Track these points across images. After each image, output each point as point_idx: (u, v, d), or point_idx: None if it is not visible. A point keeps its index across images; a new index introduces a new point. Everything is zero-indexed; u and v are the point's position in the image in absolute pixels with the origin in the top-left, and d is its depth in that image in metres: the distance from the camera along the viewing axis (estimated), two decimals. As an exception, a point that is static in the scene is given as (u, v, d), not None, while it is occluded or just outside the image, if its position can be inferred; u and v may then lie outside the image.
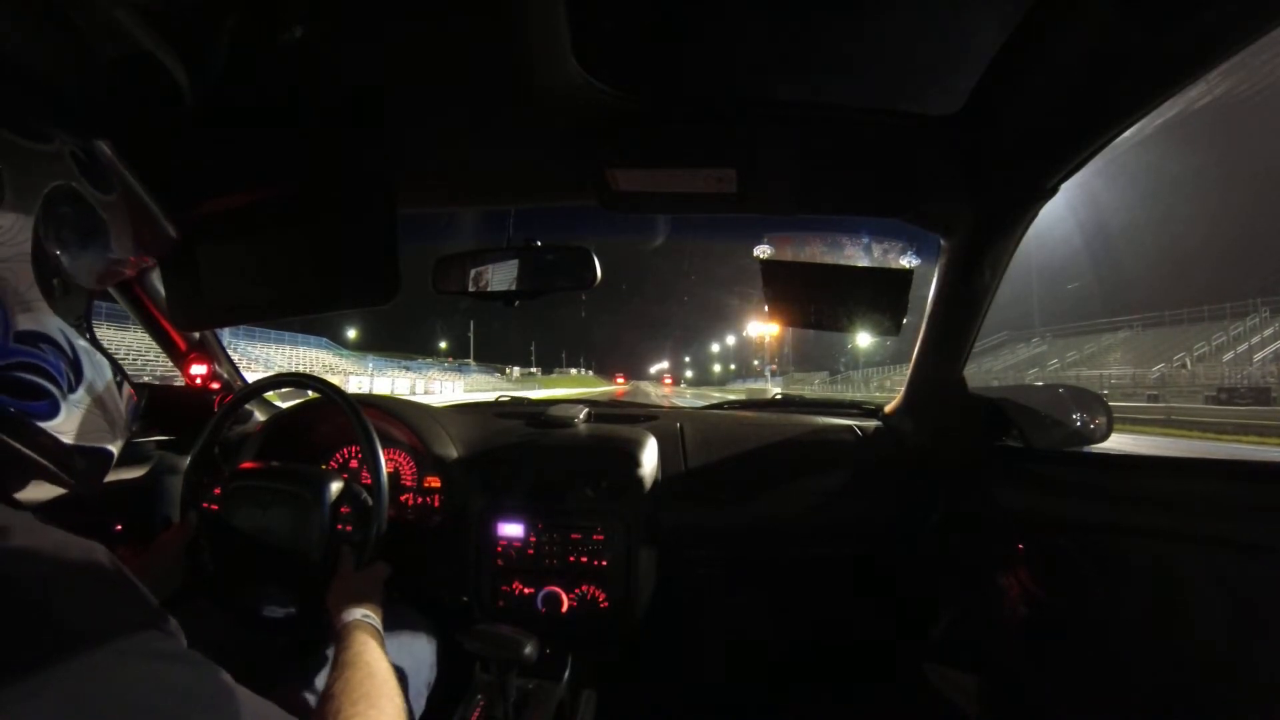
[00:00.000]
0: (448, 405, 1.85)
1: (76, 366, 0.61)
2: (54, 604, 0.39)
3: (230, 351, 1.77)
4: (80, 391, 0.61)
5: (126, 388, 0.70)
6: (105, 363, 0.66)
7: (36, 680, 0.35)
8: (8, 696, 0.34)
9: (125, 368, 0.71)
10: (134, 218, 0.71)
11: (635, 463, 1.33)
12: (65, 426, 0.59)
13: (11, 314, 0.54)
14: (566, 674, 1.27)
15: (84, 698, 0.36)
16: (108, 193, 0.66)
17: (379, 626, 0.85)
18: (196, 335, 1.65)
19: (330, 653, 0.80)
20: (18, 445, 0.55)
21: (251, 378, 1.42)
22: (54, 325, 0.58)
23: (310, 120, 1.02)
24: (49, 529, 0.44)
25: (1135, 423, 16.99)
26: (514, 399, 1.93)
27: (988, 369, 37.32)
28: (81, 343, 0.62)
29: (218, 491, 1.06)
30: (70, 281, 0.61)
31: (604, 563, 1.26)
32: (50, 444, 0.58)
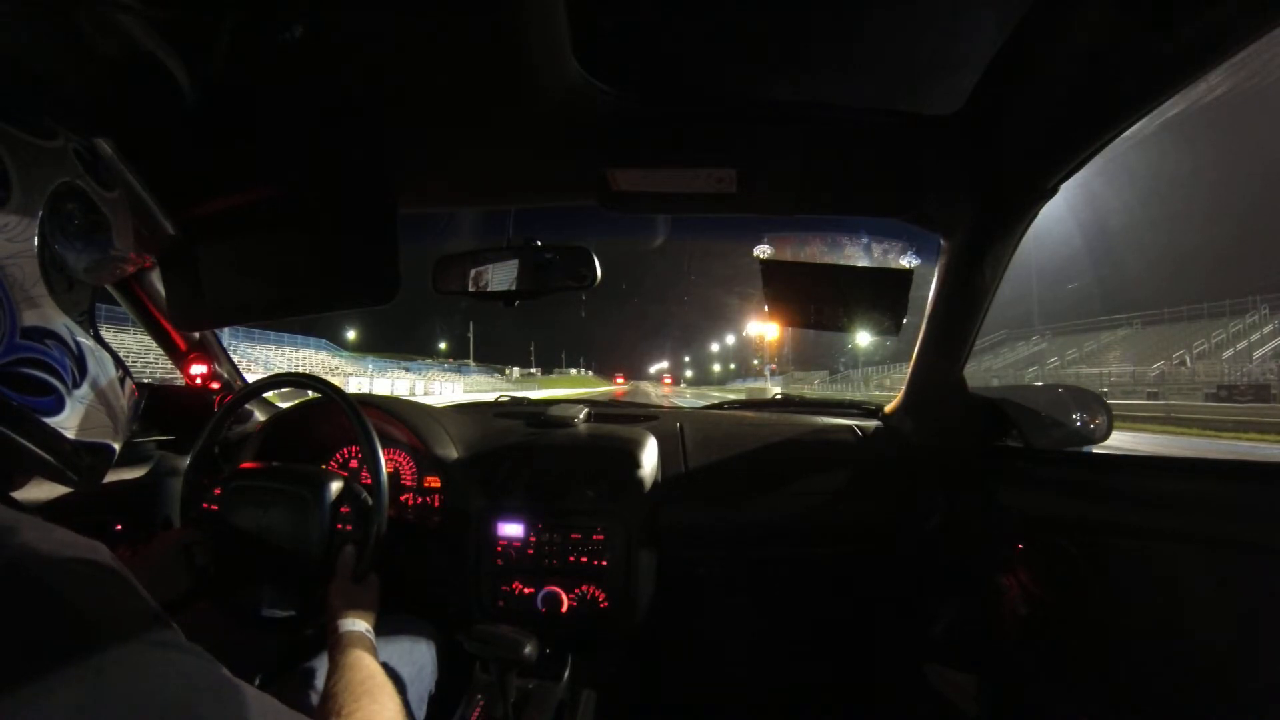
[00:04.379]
0: (447, 405, 1.85)
1: (81, 362, 0.61)
2: (69, 597, 0.40)
3: (229, 353, 1.77)
4: (84, 387, 0.62)
5: (129, 384, 0.70)
6: (108, 359, 0.66)
7: (58, 671, 0.35)
8: (34, 689, 0.34)
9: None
10: (135, 215, 0.71)
11: (635, 463, 1.33)
12: (69, 422, 0.60)
13: (17, 310, 0.54)
14: (566, 674, 1.27)
15: (102, 687, 0.36)
16: (110, 190, 0.67)
17: (374, 641, 0.85)
18: (196, 335, 1.65)
19: (329, 655, 0.81)
20: (22, 440, 0.55)
21: (251, 378, 1.42)
22: (59, 321, 0.59)
23: (310, 120, 1.02)
24: (54, 527, 0.45)
25: (1135, 420, 17.01)
26: (514, 399, 1.93)
27: (987, 367, 37.36)
28: (85, 339, 0.62)
29: (218, 491, 1.06)
30: (74, 277, 0.62)
31: (604, 563, 1.26)
32: (54, 440, 0.58)
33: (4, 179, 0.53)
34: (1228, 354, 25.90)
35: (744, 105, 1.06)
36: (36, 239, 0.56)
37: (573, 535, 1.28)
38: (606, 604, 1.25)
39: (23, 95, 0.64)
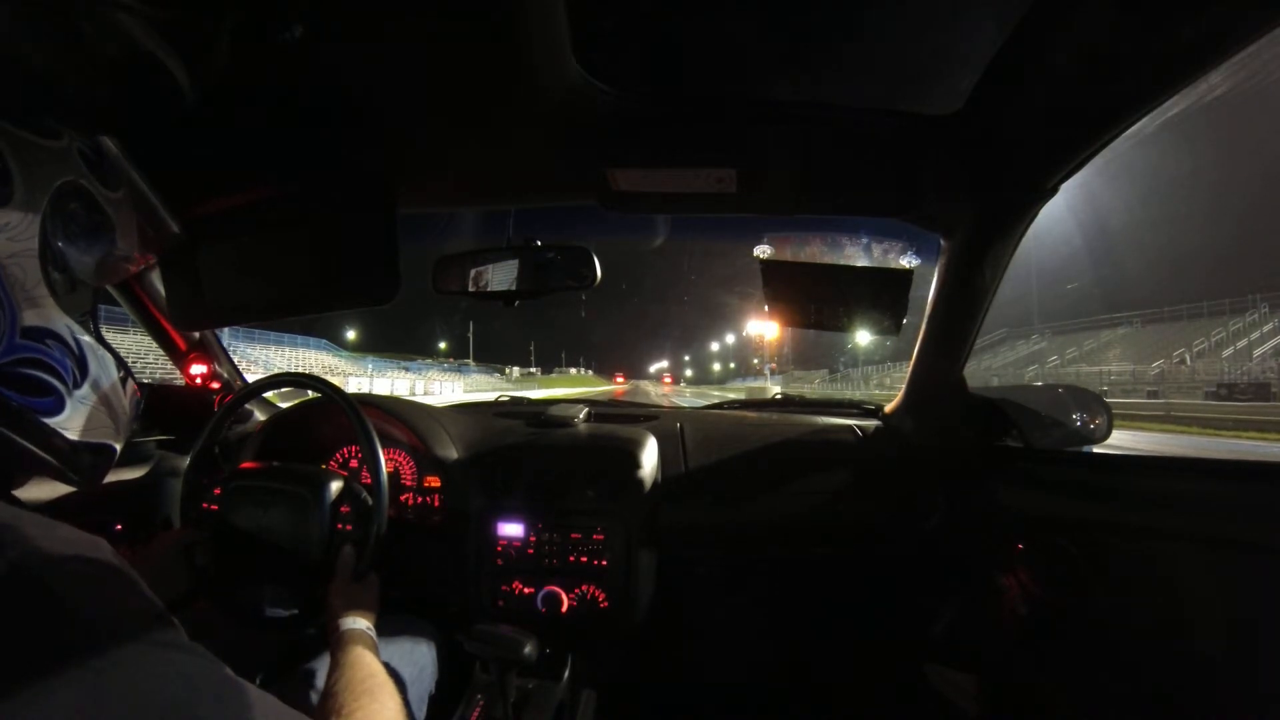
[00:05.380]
0: (448, 405, 1.85)
1: (82, 363, 0.61)
2: (71, 596, 0.40)
3: (229, 353, 1.77)
4: (85, 388, 0.62)
5: (130, 384, 0.70)
6: (110, 359, 0.66)
7: (58, 671, 0.35)
8: (34, 689, 0.34)
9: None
10: (139, 215, 0.71)
11: (635, 463, 1.33)
12: (70, 423, 0.60)
13: (18, 310, 0.54)
14: (566, 674, 1.27)
15: (102, 687, 0.36)
16: (114, 190, 0.67)
17: (375, 639, 0.85)
18: (196, 335, 1.65)
19: (330, 653, 0.81)
20: (23, 441, 0.55)
21: (251, 378, 1.42)
22: (60, 321, 0.59)
23: (310, 120, 1.02)
24: (57, 524, 0.45)
25: (1135, 419, 17.01)
26: (514, 399, 1.93)
27: (986, 366, 37.40)
28: (87, 339, 0.62)
29: (218, 491, 1.06)
30: (76, 278, 0.62)
31: (604, 562, 1.26)
32: (55, 440, 0.58)
33: (6, 177, 0.53)
34: (1228, 352, 25.92)
35: (744, 105, 1.06)
36: (38, 239, 0.56)
37: (573, 535, 1.28)
38: (606, 604, 1.26)
39: (24, 95, 0.64)
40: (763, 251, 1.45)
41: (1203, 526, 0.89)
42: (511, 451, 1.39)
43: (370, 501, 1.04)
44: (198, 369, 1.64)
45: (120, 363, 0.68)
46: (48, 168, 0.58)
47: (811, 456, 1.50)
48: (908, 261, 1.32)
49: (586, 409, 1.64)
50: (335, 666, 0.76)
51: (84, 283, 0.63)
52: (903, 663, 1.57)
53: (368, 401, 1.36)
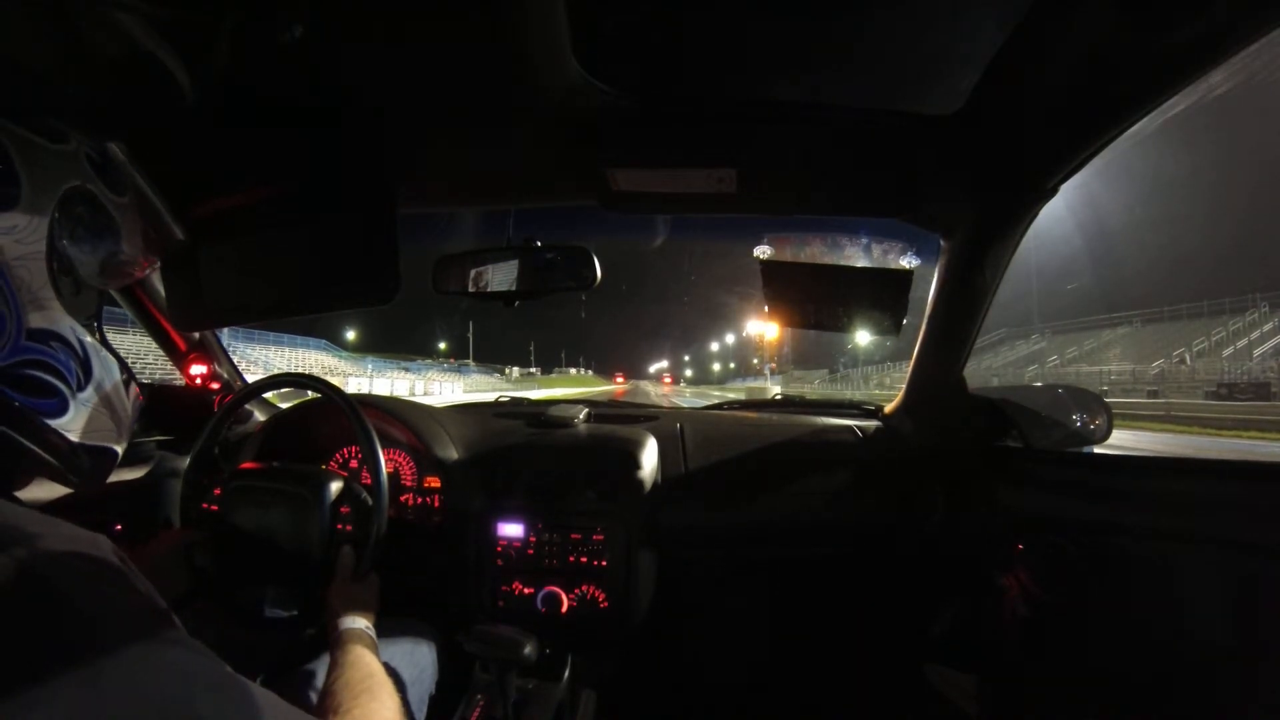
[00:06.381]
0: (448, 406, 1.85)
1: (86, 365, 0.62)
2: (73, 594, 0.40)
3: (229, 353, 1.77)
4: (89, 390, 0.62)
5: (133, 387, 0.71)
6: (113, 362, 0.66)
7: (62, 668, 0.35)
8: (35, 691, 0.34)
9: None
10: (145, 219, 0.71)
11: (635, 463, 1.33)
12: (73, 425, 0.60)
13: (24, 312, 0.54)
14: (566, 674, 1.27)
15: (102, 687, 0.36)
16: (121, 194, 0.67)
17: (375, 638, 0.86)
18: (196, 335, 1.65)
19: (330, 653, 0.81)
20: (25, 442, 0.55)
21: (251, 379, 1.42)
22: (65, 324, 0.59)
23: (310, 120, 1.02)
24: (58, 522, 0.45)
25: (1135, 418, 17.01)
26: (514, 399, 1.93)
27: (986, 366, 37.41)
28: (91, 342, 0.63)
29: (218, 492, 1.06)
30: (82, 281, 0.62)
31: (604, 563, 1.26)
32: (57, 442, 0.59)
33: (13, 179, 0.54)
34: (1228, 352, 25.94)
35: (744, 105, 1.06)
36: (45, 242, 0.56)
37: (573, 535, 1.28)
38: (606, 604, 1.26)
39: (30, 97, 0.64)
40: (763, 252, 1.45)
41: (1203, 526, 0.89)
42: (511, 452, 1.39)
43: (370, 502, 1.04)
44: (198, 369, 1.64)
45: (123, 366, 0.68)
46: (54, 171, 0.58)
47: (811, 457, 1.50)
48: (908, 261, 1.32)
49: (586, 409, 1.64)
50: (335, 666, 0.76)
51: (89, 286, 0.63)
52: (903, 663, 1.57)
53: (367, 402, 1.36)
